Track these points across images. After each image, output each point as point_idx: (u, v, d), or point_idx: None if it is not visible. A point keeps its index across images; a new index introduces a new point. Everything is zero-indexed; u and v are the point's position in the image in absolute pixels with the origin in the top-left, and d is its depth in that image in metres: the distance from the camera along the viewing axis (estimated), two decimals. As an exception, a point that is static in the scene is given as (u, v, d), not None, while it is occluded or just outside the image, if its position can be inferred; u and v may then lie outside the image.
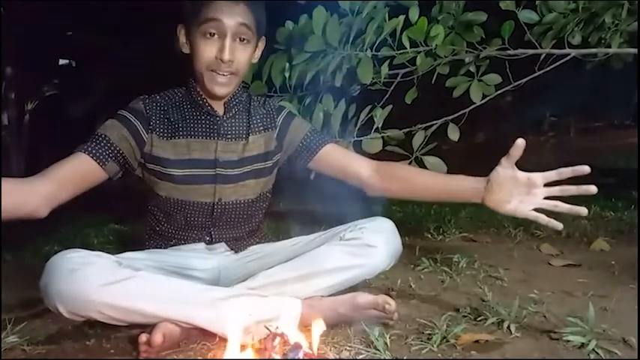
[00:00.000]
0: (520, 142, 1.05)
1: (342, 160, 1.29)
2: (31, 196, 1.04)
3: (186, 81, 1.26)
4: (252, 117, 1.28)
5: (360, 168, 1.27)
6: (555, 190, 1.05)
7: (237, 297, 1.08)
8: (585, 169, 1.00)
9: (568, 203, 1.03)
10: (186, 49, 1.22)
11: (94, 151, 1.14)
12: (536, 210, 1.07)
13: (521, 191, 1.07)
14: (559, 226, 1.06)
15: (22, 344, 1.08)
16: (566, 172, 1.03)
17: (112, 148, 1.16)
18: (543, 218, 1.07)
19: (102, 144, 1.16)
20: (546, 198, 1.07)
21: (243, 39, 1.17)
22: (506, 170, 1.09)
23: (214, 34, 1.15)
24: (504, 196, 1.09)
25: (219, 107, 1.25)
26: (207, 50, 1.16)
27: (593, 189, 1.01)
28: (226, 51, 1.15)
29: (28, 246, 2.02)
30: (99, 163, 1.14)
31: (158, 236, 1.29)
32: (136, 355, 1.03)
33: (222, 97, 1.23)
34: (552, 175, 1.05)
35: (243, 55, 1.18)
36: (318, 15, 1.60)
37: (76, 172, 1.12)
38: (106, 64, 4.02)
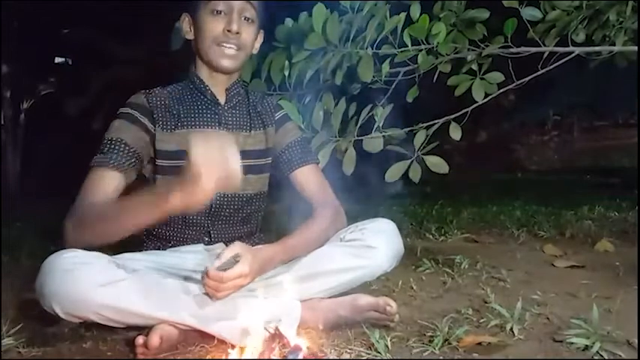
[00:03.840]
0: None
1: (305, 188, 1.30)
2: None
3: (186, 74, 1.27)
4: (252, 111, 1.30)
5: (312, 203, 1.28)
6: None
7: (237, 299, 1.07)
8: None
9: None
10: (190, 36, 1.25)
11: (117, 163, 1.14)
12: None
13: None
14: None
15: (18, 346, 1.07)
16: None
17: (131, 153, 1.16)
18: None
19: (121, 150, 1.15)
20: None
21: (248, 18, 1.22)
22: None
23: (221, 11, 1.19)
24: None
25: (220, 95, 1.27)
26: (215, 26, 1.20)
27: None
28: (234, 23, 1.19)
29: (24, 246, 2.01)
30: (123, 174, 1.15)
31: (156, 238, 1.28)
32: (133, 357, 1.02)
33: (228, 72, 1.25)
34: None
35: (248, 33, 1.22)
36: (318, 12, 1.59)
37: (114, 192, 1.13)
38: (102, 62, 4.03)
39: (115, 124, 1.19)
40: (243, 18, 1.21)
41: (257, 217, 1.33)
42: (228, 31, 1.19)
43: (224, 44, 1.20)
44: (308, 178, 1.30)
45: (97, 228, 1.06)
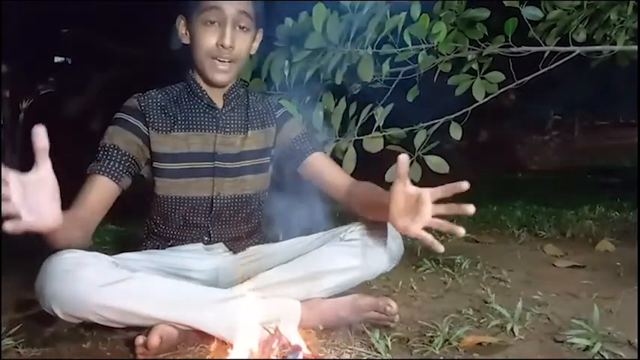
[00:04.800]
0: (403, 158, 0.95)
1: (325, 170, 1.28)
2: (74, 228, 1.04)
3: (184, 76, 1.27)
4: (251, 111, 1.30)
5: (336, 183, 1.25)
6: (440, 209, 0.94)
7: (236, 299, 1.07)
8: (464, 185, 0.91)
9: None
10: (185, 40, 1.23)
11: (109, 169, 1.14)
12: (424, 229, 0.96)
13: (412, 208, 0.95)
14: (441, 248, 0.94)
15: (17, 347, 1.06)
16: (450, 188, 0.93)
17: (125, 158, 1.16)
18: (430, 238, 0.94)
19: (114, 157, 1.15)
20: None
21: (243, 27, 1.19)
22: (398, 186, 0.97)
23: (214, 22, 1.17)
24: (398, 213, 0.98)
25: (218, 99, 1.26)
26: (208, 38, 1.18)
27: (471, 210, 0.90)
28: (227, 37, 1.16)
29: (23, 246, 2.01)
30: (115, 182, 1.15)
31: (156, 237, 1.28)
32: (132, 358, 1.02)
33: (222, 85, 1.24)
34: (438, 191, 0.94)
35: (242, 43, 1.20)
36: (318, 12, 1.58)
37: (101, 197, 1.13)
38: (102, 62, 4.02)
39: (109, 131, 1.19)
40: (237, 28, 1.18)
41: (257, 216, 1.33)
42: (222, 45, 1.17)
43: (217, 58, 1.19)
44: (324, 162, 1.29)
45: None
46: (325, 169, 1.28)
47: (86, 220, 1.09)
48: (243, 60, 1.24)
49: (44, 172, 0.80)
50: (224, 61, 1.19)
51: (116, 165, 1.15)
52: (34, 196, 0.78)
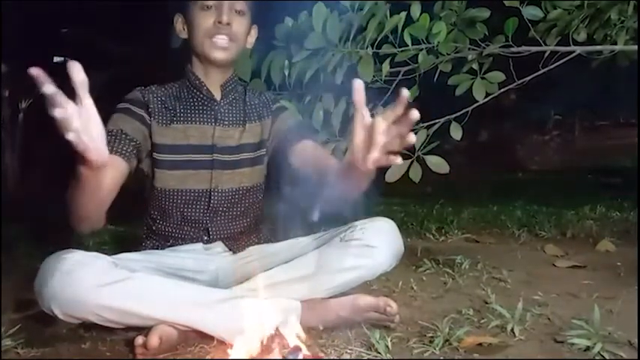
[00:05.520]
0: (358, 84, 0.87)
1: (316, 155, 1.24)
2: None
3: (182, 74, 1.29)
4: (248, 105, 1.31)
5: (323, 168, 1.19)
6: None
7: (236, 299, 1.07)
8: (405, 92, 0.84)
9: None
10: (184, 35, 1.26)
11: (119, 150, 1.15)
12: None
13: (369, 138, 0.87)
14: (412, 139, 0.84)
15: (17, 347, 1.06)
16: (398, 104, 0.84)
17: (133, 143, 1.18)
18: (386, 159, 0.87)
19: (123, 140, 1.16)
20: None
21: (239, 10, 1.22)
22: (357, 116, 0.89)
23: (211, 6, 1.20)
24: (357, 146, 0.89)
25: (216, 91, 1.28)
26: (206, 20, 1.21)
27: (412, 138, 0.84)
28: (224, 14, 1.19)
29: (23, 246, 2.01)
30: (127, 162, 1.15)
31: (155, 236, 1.28)
32: (132, 358, 1.02)
33: (222, 64, 1.25)
34: (389, 114, 0.86)
35: (239, 24, 1.23)
36: (318, 12, 1.58)
37: (115, 176, 1.11)
38: (102, 62, 4.02)
39: (114, 117, 1.20)
40: (233, 11, 1.21)
41: (255, 210, 1.33)
42: (219, 22, 1.19)
43: (216, 36, 1.21)
44: (313, 148, 1.25)
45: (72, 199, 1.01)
46: (313, 154, 1.24)
47: (104, 198, 1.07)
48: (241, 42, 1.25)
49: (88, 103, 0.78)
50: (223, 38, 1.21)
51: (125, 147, 1.16)
52: (84, 125, 0.78)
